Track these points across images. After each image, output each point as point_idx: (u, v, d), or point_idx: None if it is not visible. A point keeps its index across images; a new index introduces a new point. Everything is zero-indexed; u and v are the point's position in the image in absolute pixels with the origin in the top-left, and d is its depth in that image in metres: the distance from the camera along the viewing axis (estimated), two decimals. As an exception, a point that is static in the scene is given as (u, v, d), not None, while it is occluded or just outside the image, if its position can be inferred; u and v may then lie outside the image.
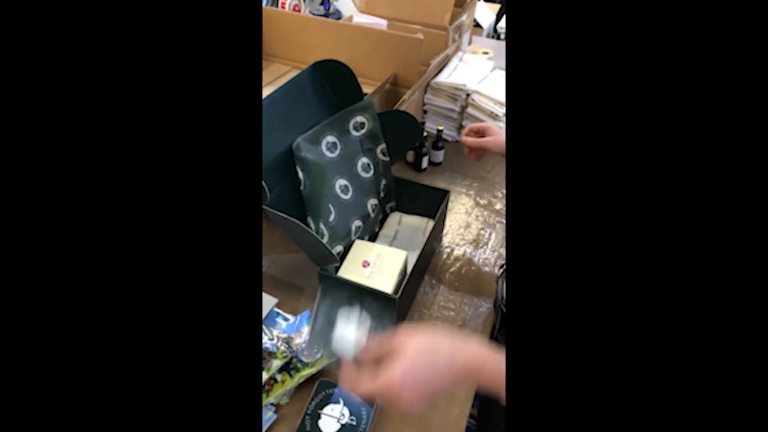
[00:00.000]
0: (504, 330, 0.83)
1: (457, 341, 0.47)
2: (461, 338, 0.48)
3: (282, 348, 0.73)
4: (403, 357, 0.46)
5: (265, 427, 0.69)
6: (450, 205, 1.05)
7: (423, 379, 0.45)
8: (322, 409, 0.70)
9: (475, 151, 0.91)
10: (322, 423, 0.68)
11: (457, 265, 0.96)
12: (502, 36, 1.68)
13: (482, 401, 0.80)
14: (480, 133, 0.90)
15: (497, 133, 0.89)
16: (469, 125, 0.92)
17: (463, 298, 0.90)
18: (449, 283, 0.93)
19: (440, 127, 1.17)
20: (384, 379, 0.45)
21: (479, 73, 1.30)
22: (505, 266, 0.89)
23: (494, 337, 0.85)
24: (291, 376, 0.72)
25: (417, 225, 0.97)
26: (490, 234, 1.04)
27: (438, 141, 1.19)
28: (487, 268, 0.96)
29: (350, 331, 0.53)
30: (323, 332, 0.57)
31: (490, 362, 0.46)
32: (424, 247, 0.83)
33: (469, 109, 1.25)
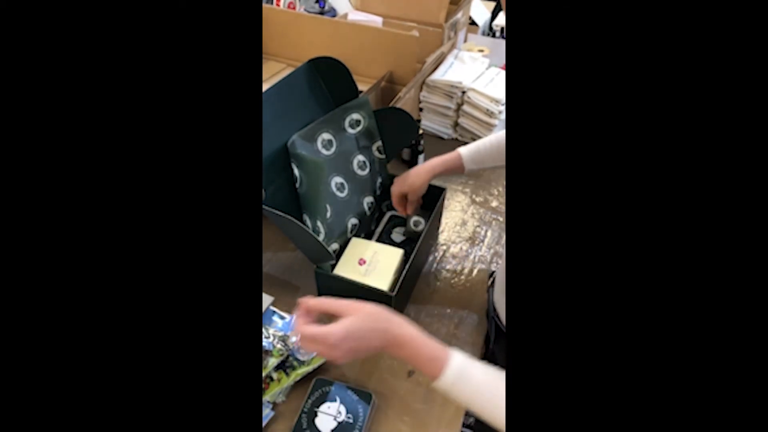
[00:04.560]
0: (499, 341, 0.81)
1: (397, 317, 0.55)
2: (401, 318, 0.56)
3: (278, 346, 0.73)
4: (349, 316, 0.54)
5: (262, 426, 0.69)
6: (446, 202, 1.05)
7: (359, 341, 0.53)
8: (318, 407, 0.70)
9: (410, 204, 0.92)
10: (318, 421, 0.68)
11: (453, 262, 0.97)
12: (498, 34, 1.68)
13: None
14: (404, 195, 0.91)
15: (411, 184, 0.88)
16: (394, 193, 0.91)
17: (460, 295, 0.90)
18: (445, 280, 0.93)
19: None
20: (328, 328, 0.53)
21: (475, 70, 1.30)
22: (494, 277, 0.89)
23: (490, 349, 0.84)
24: (287, 374, 0.72)
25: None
26: (486, 231, 1.04)
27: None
28: (482, 266, 0.96)
29: None
30: None
31: (414, 340, 0.54)
32: (421, 244, 0.83)
33: (465, 107, 1.25)
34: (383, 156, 0.95)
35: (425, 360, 0.53)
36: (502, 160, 0.86)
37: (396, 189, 0.90)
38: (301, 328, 0.54)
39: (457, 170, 0.89)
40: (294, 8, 1.60)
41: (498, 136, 0.87)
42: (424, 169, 0.88)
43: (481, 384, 0.52)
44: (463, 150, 0.88)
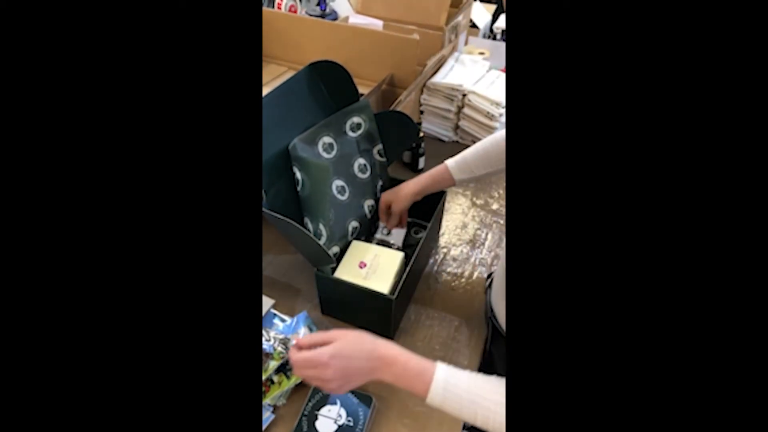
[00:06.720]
0: (496, 342, 0.81)
1: (381, 339, 0.58)
2: (385, 340, 0.58)
3: (279, 349, 0.73)
4: (335, 341, 0.57)
5: (262, 428, 0.69)
6: (447, 205, 1.05)
7: (348, 359, 0.56)
8: (319, 410, 0.70)
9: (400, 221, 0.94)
10: (318, 424, 0.68)
11: (454, 265, 0.97)
12: (498, 36, 1.68)
13: None
14: (388, 206, 0.91)
15: (396, 196, 0.89)
16: (381, 202, 0.92)
17: (461, 298, 0.90)
18: (446, 283, 0.93)
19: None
20: (318, 350, 0.56)
21: (475, 73, 1.30)
22: (492, 278, 0.89)
23: (487, 350, 0.83)
24: (288, 377, 0.72)
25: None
26: (486, 234, 1.04)
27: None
28: (483, 268, 0.96)
29: None
30: None
31: (402, 355, 0.57)
32: (421, 247, 0.83)
33: (465, 110, 1.25)
34: (384, 159, 0.95)
35: (414, 375, 0.55)
36: (492, 166, 0.84)
37: (384, 198, 0.91)
38: (294, 356, 0.58)
39: (446, 183, 0.88)
40: (295, 11, 1.60)
41: (483, 142, 0.85)
42: (410, 189, 0.89)
43: (464, 394, 0.54)
44: (450, 162, 0.88)
